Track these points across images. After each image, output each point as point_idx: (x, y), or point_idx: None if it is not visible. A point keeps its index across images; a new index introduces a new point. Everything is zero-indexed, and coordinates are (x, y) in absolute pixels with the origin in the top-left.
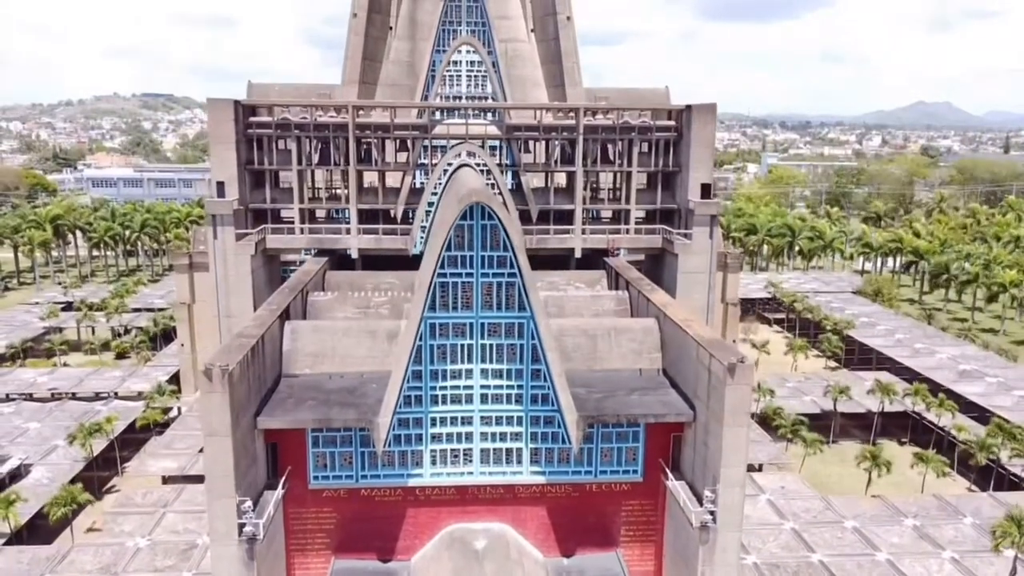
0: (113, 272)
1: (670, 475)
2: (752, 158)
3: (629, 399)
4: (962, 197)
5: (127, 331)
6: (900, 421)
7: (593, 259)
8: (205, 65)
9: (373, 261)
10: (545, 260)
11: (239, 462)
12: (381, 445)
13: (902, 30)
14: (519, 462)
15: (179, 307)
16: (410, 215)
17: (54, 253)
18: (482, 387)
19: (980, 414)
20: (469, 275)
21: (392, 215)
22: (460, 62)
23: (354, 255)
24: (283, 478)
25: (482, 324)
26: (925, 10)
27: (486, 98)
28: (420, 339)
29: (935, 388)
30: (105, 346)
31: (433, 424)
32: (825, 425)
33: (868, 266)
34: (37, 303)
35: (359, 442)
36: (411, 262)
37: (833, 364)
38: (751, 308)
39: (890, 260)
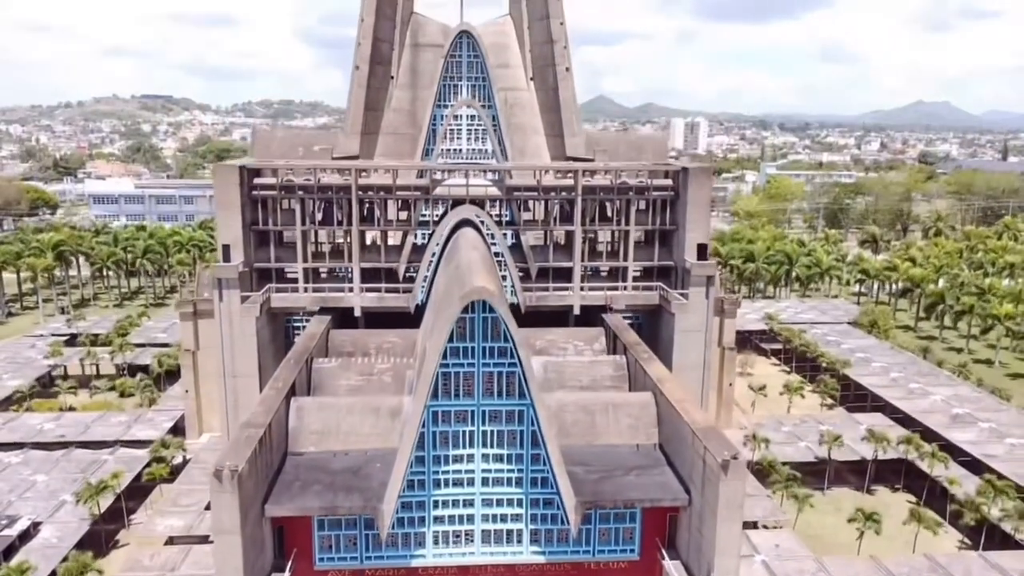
0: (115, 294)
1: (666, 555)
2: (751, 165)
3: (626, 480)
4: (959, 212)
5: (132, 372)
6: (894, 466)
7: (591, 312)
8: (204, 65)
9: (376, 317)
10: (544, 316)
11: (247, 555)
12: (385, 530)
13: (901, 30)
14: (519, 542)
15: (184, 354)
16: (412, 271)
17: (57, 273)
18: (483, 471)
19: (973, 458)
20: (471, 365)
21: (394, 271)
22: (461, 116)
23: (357, 313)
24: (290, 561)
25: (483, 411)
26: (924, 10)
27: (486, 151)
28: (423, 426)
29: (928, 434)
30: (111, 388)
31: (436, 507)
32: (820, 470)
33: (864, 287)
34: (41, 335)
35: (363, 524)
36: (413, 319)
37: (829, 402)
38: (748, 340)
39: (887, 284)
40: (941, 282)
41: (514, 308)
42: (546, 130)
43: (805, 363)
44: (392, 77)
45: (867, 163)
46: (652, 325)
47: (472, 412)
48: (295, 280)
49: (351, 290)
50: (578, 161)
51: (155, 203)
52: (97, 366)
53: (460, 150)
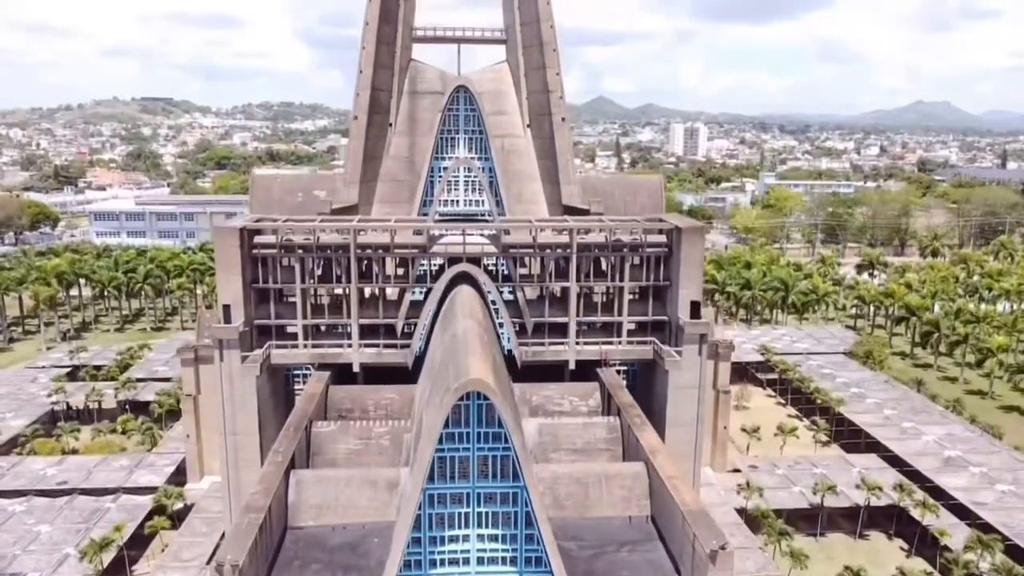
0: (116, 315)
1: None
2: (750, 172)
3: (618, 557)
4: (956, 228)
5: (134, 408)
6: (887, 511)
7: (587, 364)
8: (205, 65)
9: (374, 370)
10: (540, 369)
11: None
12: None
13: (901, 31)
14: None
15: (185, 399)
16: (410, 326)
17: (59, 294)
18: (478, 551)
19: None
20: (466, 449)
21: (392, 327)
22: (458, 170)
23: (356, 369)
24: None
25: (478, 494)
26: (924, 11)
27: (483, 202)
28: (419, 508)
29: (920, 477)
30: (113, 431)
31: None
32: (814, 515)
33: (860, 310)
34: (43, 367)
35: None
36: (410, 374)
37: (824, 438)
38: (745, 371)
39: (883, 309)
40: (937, 307)
41: (510, 362)
42: (543, 176)
43: (801, 395)
44: (390, 124)
45: (866, 171)
46: (647, 377)
47: (467, 494)
48: (295, 335)
49: (350, 346)
50: (573, 211)
51: (156, 219)
52: (99, 403)
53: (457, 200)
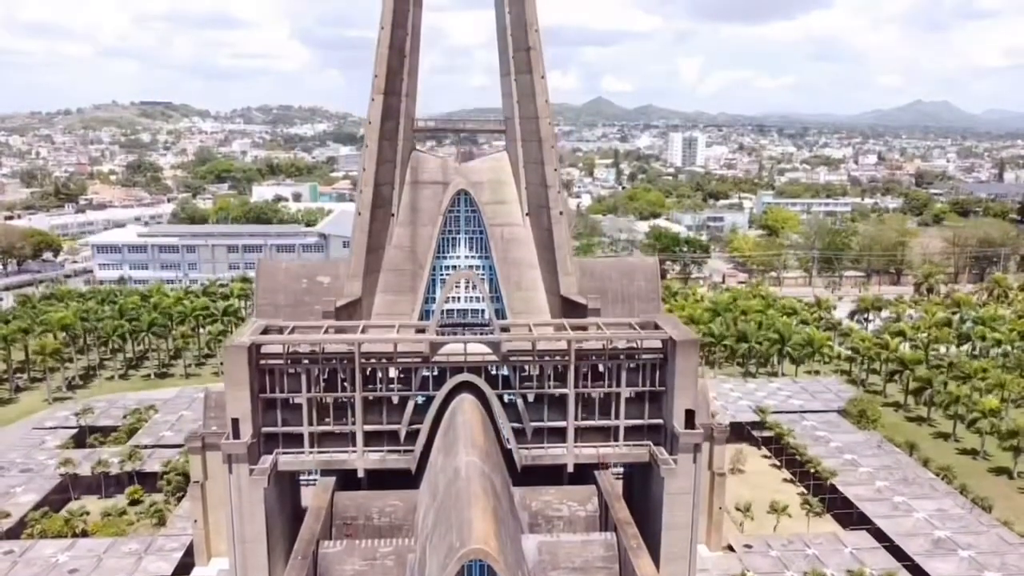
0: (121, 359)
1: None
2: (748, 187)
3: None
4: (952, 256)
5: (141, 479)
6: None
7: (585, 465)
8: (204, 66)
9: (379, 473)
10: (538, 472)
11: None
12: None
13: (899, 30)
14: None
15: (192, 486)
16: (413, 430)
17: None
18: None
19: None
20: None
21: (396, 432)
22: (460, 268)
23: (361, 474)
24: None
25: None
26: (922, 11)
27: (482, 299)
28: None
29: (908, 562)
30: (122, 513)
31: None
32: None
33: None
34: (50, 428)
35: None
36: (414, 479)
37: (817, 509)
38: (741, 430)
39: (878, 361)
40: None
41: (509, 461)
42: (541, 266)
43: (795, 457)
44: (392, 215)
45: (863, 183)
46: (644, 477)
47: None
48: (301, 436)
49: (354, 451)
50: (571, 305)
51: (158, 252)
52: (106, 473)
53: (459, 297)
